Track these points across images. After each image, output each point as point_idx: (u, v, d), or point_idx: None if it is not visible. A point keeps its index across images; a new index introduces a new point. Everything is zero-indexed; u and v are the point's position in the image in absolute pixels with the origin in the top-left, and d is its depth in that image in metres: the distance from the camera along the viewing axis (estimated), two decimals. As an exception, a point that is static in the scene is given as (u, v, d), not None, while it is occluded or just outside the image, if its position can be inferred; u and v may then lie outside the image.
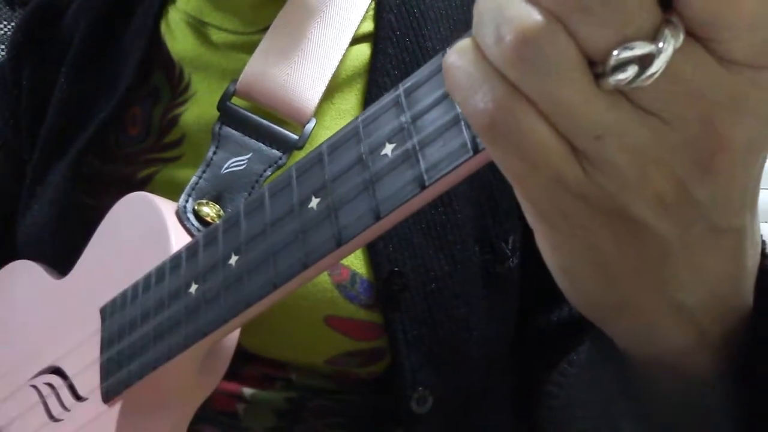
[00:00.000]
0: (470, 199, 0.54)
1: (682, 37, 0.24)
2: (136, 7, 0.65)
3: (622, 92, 0.25)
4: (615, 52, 0.24)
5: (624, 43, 0.24)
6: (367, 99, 0.55)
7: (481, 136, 0.27)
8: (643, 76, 0.24)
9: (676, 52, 0.24)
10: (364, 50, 0.57)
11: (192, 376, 0.46)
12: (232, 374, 0.50)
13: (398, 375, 0.52)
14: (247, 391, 0.54)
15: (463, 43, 0.27)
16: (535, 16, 0.25)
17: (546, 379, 0.55)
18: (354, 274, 0.52)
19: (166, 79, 0.61)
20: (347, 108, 0.56)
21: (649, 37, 0.24)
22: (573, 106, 0.25)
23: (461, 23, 0.58)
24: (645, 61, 0.24)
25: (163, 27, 0.63)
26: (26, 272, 0.60)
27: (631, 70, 0.24)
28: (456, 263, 0.54)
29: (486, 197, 0.55)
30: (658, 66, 0.24)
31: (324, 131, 0.55)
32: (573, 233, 0.29)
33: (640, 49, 0.24)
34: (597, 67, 0.25)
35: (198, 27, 0.61)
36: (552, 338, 0.57)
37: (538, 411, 0.56)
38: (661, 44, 0.24)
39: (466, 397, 0.56)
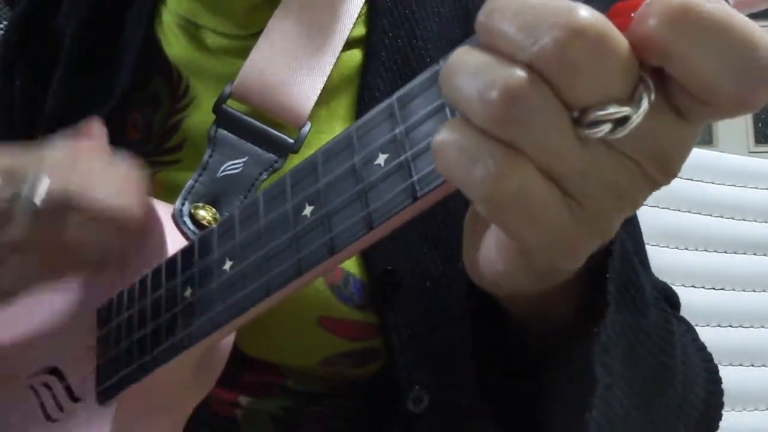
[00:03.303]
0: (464, 196, 0.55)
1: (653, 96, 0.26)
2: (127, 8, 0.65)
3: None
4: (595, 112, 0.26)
5: (601, 101, 0.26)
6: (360, 102, 0.56)
7: (486, 207, 0.28)
8: (616, 133, 0.26)
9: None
10: (356, 54, 0.58)
11: (187, 378, 0.47)
12: (228, 381, 0.51)
13: (394, 375, 0.53)
14: (244, 399, 0.54)
15: (450, 122, 0.29)
16: (519, 73, 0.26)
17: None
18: (347, 275, 0.53)
19: (165, 83, 0.61)
20: (341, 112, 0.57)
21: (627, 96, 0.26)
22: (563, 150, 0.27)
23: (453, 21, 0.59)
24: (620, 121, 0.26)
25: (158, 30, 0.63)
26: None
27: (606, 127, 0.26)
28: (450, 261, 0.54)
29: None
30: (632, 125, 0.26)
31: (319, 135, 0.55)
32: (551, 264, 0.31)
33: (618, 110, 0.26)
34: (572, 113, 0.26)
35: (192, 30, 0.61)
36: None
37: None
38: (637, 106, 0.26)
39: (462, 395, 0.56)
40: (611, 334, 0.39)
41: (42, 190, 0.44)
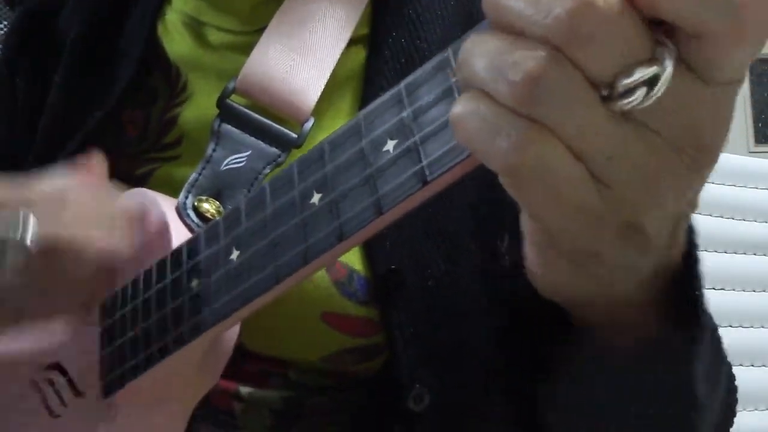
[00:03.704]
0: (468, 196, 0.55)
1: (675, 54, 0.26)
2: (131, 8, 0.65)
3: (625, 112, 0.27)
4: (624, 80, 0.26)
5: (626, 67, 0.26)
6: (363, 99, 0.56)
7: (509, 178, 0.28)
8: (649, 97, 0.26)
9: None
10: (359, 51, 0.58)
11: (192, 371, 0.46)
12: (228, 372, 0.50)
13: (395, 372, 0.52)
14: (245, 389, 0.54)
15: (468, 93, 0.28)
16: (538, 53, 0.26)
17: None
18: (351, 272, 0.52)
19: (164, 80, 0.61)
20: (344, 108, 0.57)
21: (647, 59, 0.26)
22: (589, 129, 0.27)
23: (456, 25, 0.59)
24: (650, 82, 0.26)
25: (160, 28, 0.63)
26: None
27: (640, 92, 0.26)
28: (454, 260, 0.54)
29: (484, 195, 0.55)
30: (662, 84, 0.26)
31: (322, 131, 0.55)
32: (576, 247, 0.31)
33: (646, 72, 0.26)
34: (602, 91, 0.26)
35: (196, 28, 0.62)
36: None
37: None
38: (662, 64, 0.26)
39: (464, 396, 0.56)
40: (701, 350, 0.39)
41: (31, 234, 0.45)
